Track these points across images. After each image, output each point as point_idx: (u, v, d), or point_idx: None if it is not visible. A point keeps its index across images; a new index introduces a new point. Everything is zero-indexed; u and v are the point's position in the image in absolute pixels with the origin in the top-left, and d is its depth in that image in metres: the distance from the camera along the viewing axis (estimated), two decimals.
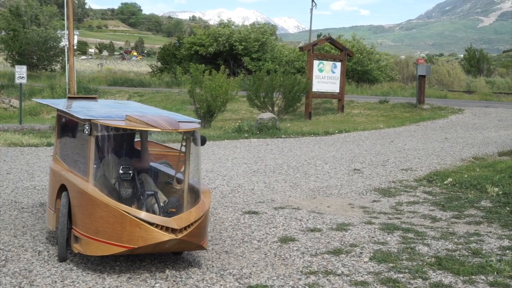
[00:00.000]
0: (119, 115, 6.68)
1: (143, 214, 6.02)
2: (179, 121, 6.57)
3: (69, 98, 8.92)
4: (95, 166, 6.46)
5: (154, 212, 6.41)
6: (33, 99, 16.14)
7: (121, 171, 6.57)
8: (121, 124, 6.38)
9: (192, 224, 6.06)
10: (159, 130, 6.18)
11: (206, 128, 22.55)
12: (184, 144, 6.83)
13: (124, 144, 7.33)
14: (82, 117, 6.55)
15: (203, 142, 6.93)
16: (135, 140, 8.02)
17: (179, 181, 6.87)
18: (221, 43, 47.65)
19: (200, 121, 7.33)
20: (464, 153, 15.62)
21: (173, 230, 5.93)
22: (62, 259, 6.53)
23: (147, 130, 6.75)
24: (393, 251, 7.12)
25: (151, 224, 5.91)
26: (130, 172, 6.62)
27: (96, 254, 6.19)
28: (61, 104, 8.19)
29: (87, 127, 6.33)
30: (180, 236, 5.94)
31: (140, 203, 6.55)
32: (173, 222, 5.97)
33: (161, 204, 6.56)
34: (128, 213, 5.95)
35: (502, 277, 6.21)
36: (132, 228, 5.90)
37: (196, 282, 6.01)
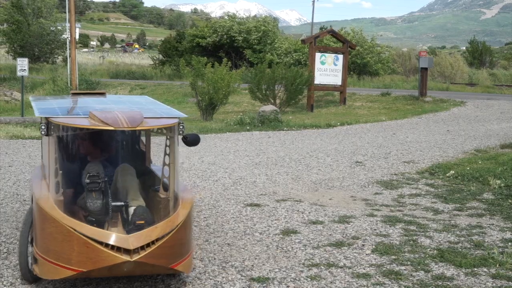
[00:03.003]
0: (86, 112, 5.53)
1: (90, 231, 4.93)
2: (151, 117, 5.54)
3: (73, 94, 7.61)
4: (54, 172, 5.46)
5: (126, 226, 5.46)
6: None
7: (87, 180, 5.45)
8: (83, 122, 5.29)
9: (153, 242, 4.95)
10: (111, 128, 5.05)
11: (208, 121, 22.58)
12: (167, 144, 5.90)
13: (97, 146, 6.30)
14: (37, 114, 5.75)
15: (194, 142, 5.93)
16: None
17: (166, 188, 5.81)
18: (219, 34, 47.67)
19: (187, 116, 6.09)
20: (466, 145, 15.61)
21: (127, 251, 4.85)
22: (27, 281, 5.64)
23: (97, 129, 5.35)
24: (395, 243, 7.11)
25: (100, 243, 4.85)
26: (99, 181, 5.47)
27: (47, 277, 5.28)
28: (53, 102, 6.88)
29: (43, 127, 5.38)
30: (135, 258, 4.85)
31: (107, 217, 5.53)
32: (127, 240, 4.88)
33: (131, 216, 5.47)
34: (75, 230, 4.92)
35: (504, 269, 6.21)
36: (80, 248, 4.90)
37: (198, 275, 6.00)
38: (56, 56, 55.74)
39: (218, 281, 5.83)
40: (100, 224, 5.33)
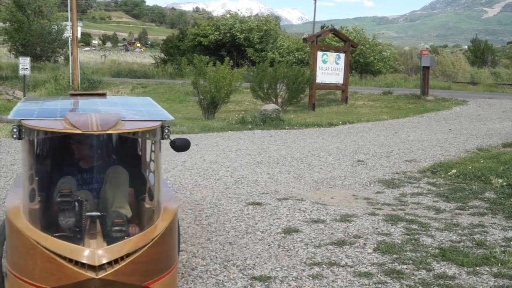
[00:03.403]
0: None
1: (54, 245, 4.35)
2: (131, 120, 4.92)
3: (72, 95, 6.86)
4: (28, 179, 4.88)
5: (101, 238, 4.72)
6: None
7: (58, 199, 4.71)
8: (55, 125, 4.71)
9: (123, 258, 4.35)
10: (79, 132, 4.50)
11: (209, 119, 22.61)
12: (152, 149, 5.38)
13: (87, 151, 5.59)
14: (9, 116, 5.09)
15: (184, 147, 5.32)
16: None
17: (151, 197, 5.16)
18: (222, 31, 47.75)
19: (173, 118, 5.46)
20: (468, 144, 15.63)
21: (93, 267, 4.27)
22: None
23: (67, 133, 4.77)
24: (397, 242, 7.12)
25: (64, 258, 4.27)
26: (71, 200, 4.73)
27: None
28: (38, 104, 5.97)
29: (14, 130, 4.76)
30: (102, 275, 4.26)
31: (83, 228, 4.73)
32: (93, 255, 4.30)
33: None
34: (38, 243, 4.39)
35: (506, 268, 6.21)
36: (43, 263, 4.38)
37: (200, 273, 6.01)
38: (58, 55, 55.86)
39: (220, 280, 5.84)
40: (77, 237, 4.66)
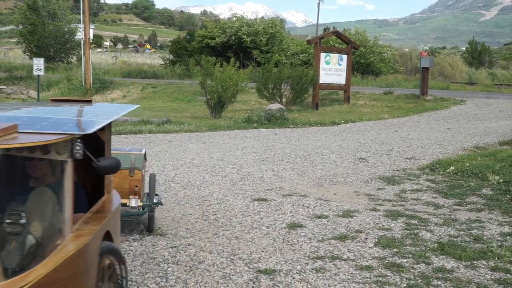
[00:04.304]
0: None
1: None
2: (33, 132, 3.71)
3: (53, 101, 5.73)
4: None
5: None
6: None
7: None
8: None
9: None
10: None
11: (216, 118, 22.80)
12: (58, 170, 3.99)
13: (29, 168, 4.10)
14: None
15: (109, 169, 4.13)
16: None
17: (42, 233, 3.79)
18: (228, 34, 47.78)
19: (90, 131, 3.99)
20: (466, 142, 15.81)
21: None
22: None
23: None
24: (397, 237, 7.28)
25: None
26: None
27: None
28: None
29: None
30: None
31: None
32: None
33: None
34: None
35: (503, 262, 6.37)
36: None
37: (207, 267, 6.16)
38: (71, 56, 56.09)
39: (227, 273, 5.99)
40: None
